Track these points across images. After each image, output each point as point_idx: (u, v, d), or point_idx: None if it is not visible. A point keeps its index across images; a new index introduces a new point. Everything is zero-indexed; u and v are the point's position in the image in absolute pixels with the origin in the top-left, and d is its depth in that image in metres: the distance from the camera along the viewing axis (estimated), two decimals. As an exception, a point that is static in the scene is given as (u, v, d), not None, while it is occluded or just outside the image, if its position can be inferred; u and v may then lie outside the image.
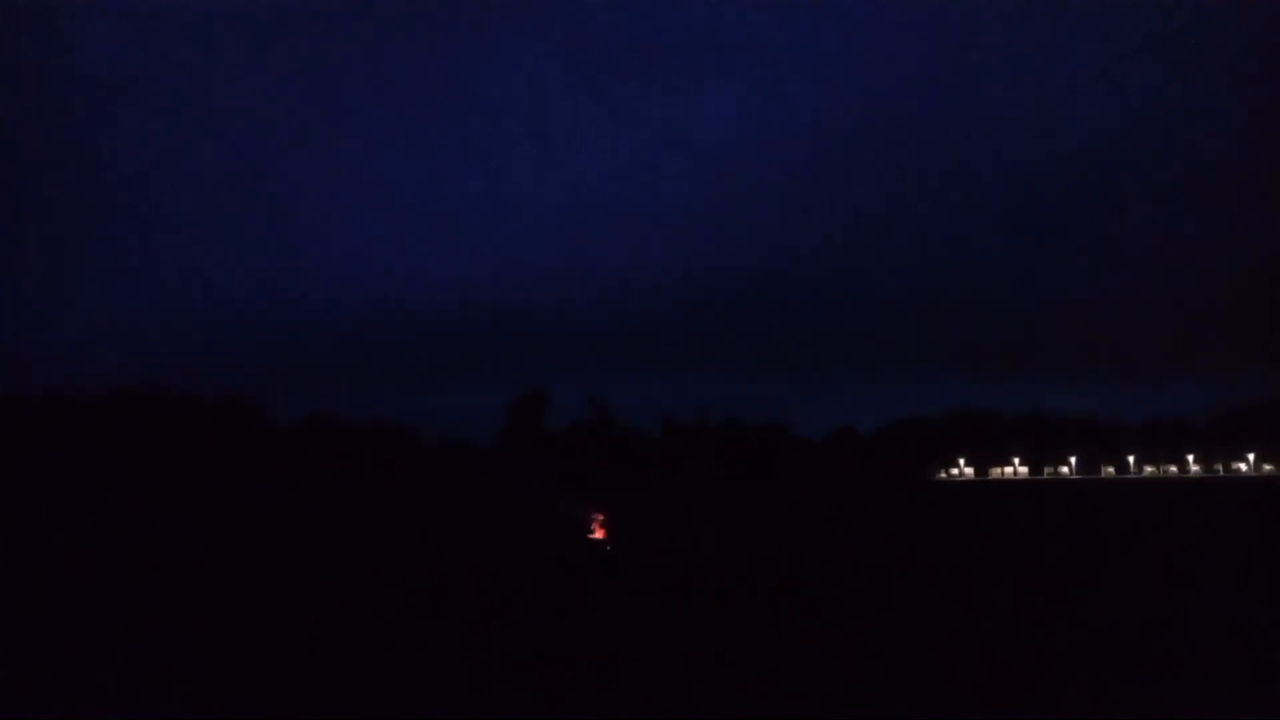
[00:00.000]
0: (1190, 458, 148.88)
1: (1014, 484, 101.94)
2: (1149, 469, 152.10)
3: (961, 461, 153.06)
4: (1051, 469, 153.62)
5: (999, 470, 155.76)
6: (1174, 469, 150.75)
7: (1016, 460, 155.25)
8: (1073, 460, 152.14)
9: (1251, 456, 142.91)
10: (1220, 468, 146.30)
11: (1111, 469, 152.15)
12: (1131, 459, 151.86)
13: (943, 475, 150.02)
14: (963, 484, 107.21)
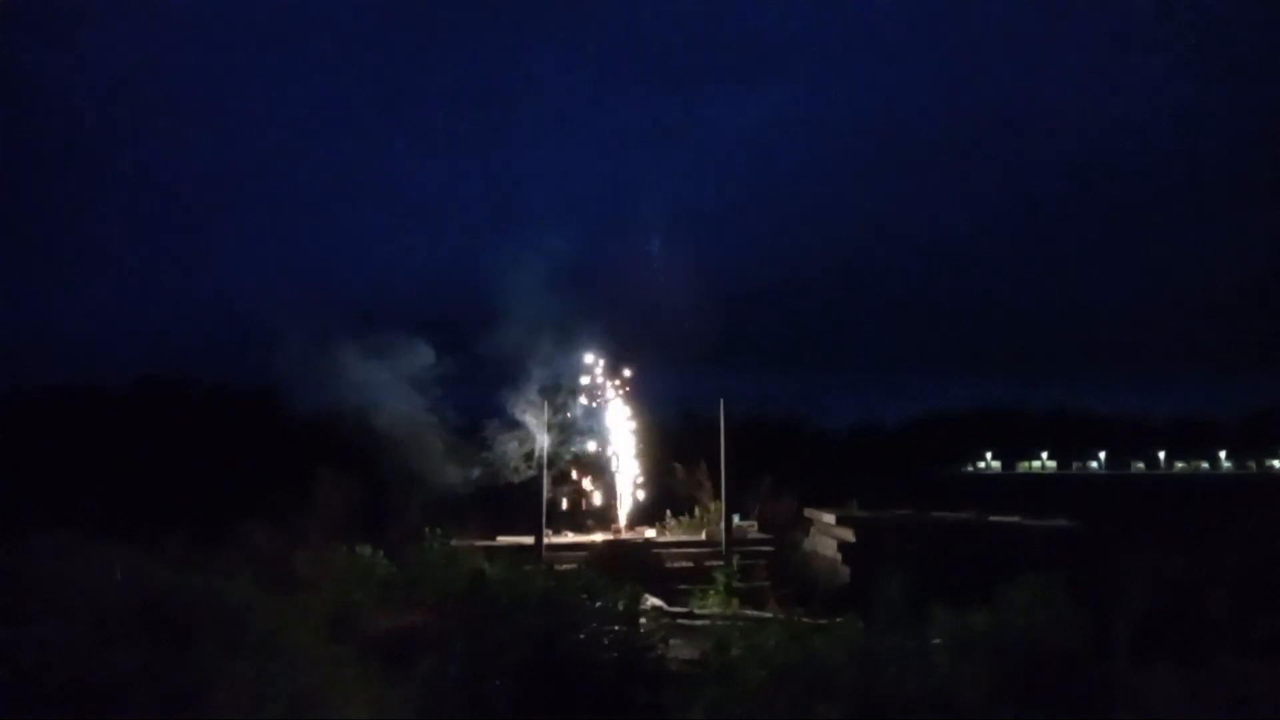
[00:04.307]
0: (1223, 454, 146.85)
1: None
2: (1179, 465, 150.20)
3: (989, 455, 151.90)
4: (1080, 464, 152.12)
5: (1026, 464, 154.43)
6: (1205, 465, 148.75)
7: (1045, 454, 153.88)
8: (1102, 455, 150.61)
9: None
10: (1254, 465, 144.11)
11: (1142, 464, 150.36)
12: (1162, 455, 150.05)
13: (969, 469, 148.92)
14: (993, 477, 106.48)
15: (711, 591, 17.25)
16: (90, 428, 40.63)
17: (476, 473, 21.62)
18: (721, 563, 18.27)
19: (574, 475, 22.13)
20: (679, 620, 14.28)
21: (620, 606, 11.16)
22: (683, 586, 17.81)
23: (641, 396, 22.60)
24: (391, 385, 21.29)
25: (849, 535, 19.46)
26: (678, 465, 22.67)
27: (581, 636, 10.54)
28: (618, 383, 22.38)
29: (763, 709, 7.43)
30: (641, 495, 22.11)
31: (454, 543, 17.91)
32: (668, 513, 22.22)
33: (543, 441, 19.77)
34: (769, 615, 13.26)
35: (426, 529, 18.11)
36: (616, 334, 22.93)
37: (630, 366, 22.50)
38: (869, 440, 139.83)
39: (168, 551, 13.84)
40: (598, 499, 22.03)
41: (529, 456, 21.12)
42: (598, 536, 20.31)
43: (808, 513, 22.41)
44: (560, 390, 22.11)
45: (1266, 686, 6.14)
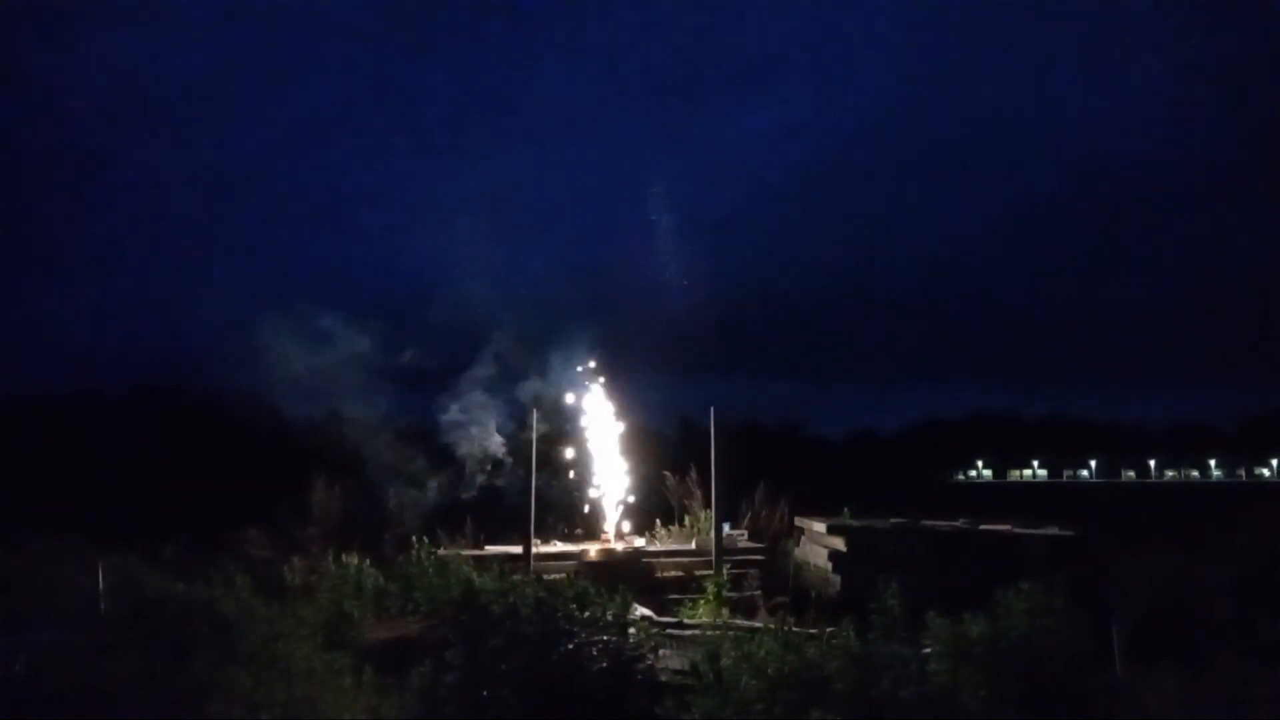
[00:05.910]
0: (1213, 462, 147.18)
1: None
2: (1169, 474, 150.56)
3: (980, 463, 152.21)
4: (1071, 472, 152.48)
5: (1018, 473, 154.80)
6: (1195, 474, 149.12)
7: (1035, 463, 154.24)
8: (1092, 464, 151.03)
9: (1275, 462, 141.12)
10: (1243, 473, 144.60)
11: (1132, 473, 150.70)
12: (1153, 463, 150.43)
13: (960, 477, 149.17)
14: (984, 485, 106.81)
15: (702, 601, 17.25)
16: (86, 434, 40.66)
17: (461, 481, 21.61)
18: (712, 572, 18.26)
19: (562, 484, 22.13)
20: (669, 630, 14.26)
21: (609, 616, 11.17)
22: (673, 596, 17.80)
23: (635, 404, 22.64)
24: (377, 392, 21.29)
25: (839, 544, 19.46)
26: (667, 474, 22.66)
27: (571, 646, 10.55)
28: (610, 390, 22.40)
29: (756, 717, 7.47)
30: (631, 504, 22.10)
31: (442, 551, 17.90)
32: (657, 522, 22.22)
33: (530, 449, 19.74)
34: (759, 625, 13.25)
35: (414, 538, 18.09)
36: (611, 341, 22.98)
37: (624, 373, 22.54)
38: (863, 448, 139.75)
39: (161, 558, 13.84)
40: (586, 508, 22.02)
41: (516, 465, 21.12)
42: (586, 546, 20.29)
43: (799, 521, 22.42)
44: (551, 397, 22.11)
45: (1266, 690, 6.21)
